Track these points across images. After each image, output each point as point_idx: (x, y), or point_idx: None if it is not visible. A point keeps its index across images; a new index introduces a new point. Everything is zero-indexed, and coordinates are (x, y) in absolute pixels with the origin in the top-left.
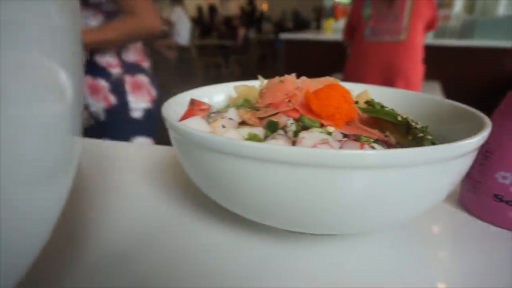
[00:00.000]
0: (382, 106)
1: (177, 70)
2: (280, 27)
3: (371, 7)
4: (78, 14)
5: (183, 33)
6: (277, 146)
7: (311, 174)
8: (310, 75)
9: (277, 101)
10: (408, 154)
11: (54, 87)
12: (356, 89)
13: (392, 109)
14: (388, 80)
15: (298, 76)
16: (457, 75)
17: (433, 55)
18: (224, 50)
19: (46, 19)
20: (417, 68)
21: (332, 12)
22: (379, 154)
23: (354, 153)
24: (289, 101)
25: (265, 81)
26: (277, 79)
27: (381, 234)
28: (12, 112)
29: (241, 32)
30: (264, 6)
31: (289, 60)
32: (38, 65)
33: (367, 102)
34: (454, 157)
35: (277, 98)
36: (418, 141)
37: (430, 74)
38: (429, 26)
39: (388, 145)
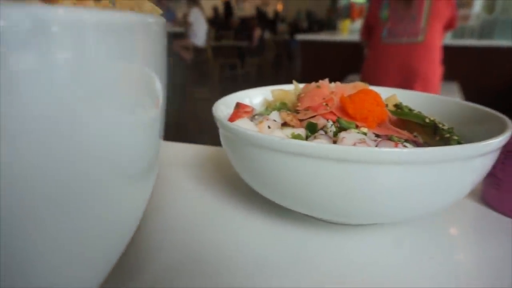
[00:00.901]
0: (410, 109)
1: (193, 71)
2: (295, 27)
3: (388, 8)
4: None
5: (200, 34)
6: (330, 145)
7: (354, 169)
8: (326, 76)
9: (315, 104)
10: (438, 152)
11: (153, 94)
12: (384, 93)
13: (419, 112)
14: (406, 81)
15: (315, 78)
16: (476, 76)
17: (451, 55)
18: (240, 51)
19: (149, 36)
20: (436, 69)
21: (348, 12)
22: (414, 152)
23: (392, 151)
24: (326, 104)
25: (299, 85)
26: (313, 84)
27: (409, 227)
28: (124, 117)
29: (257, 33)
30: (278, 7)
31: (305, 61)
32: (143, 75)
33: (396, 105)
34: (478, 156)
35: (315, 102)
36: (445, 141)
37: (449, 75)
38: (449, 25)
39: (417, 144)
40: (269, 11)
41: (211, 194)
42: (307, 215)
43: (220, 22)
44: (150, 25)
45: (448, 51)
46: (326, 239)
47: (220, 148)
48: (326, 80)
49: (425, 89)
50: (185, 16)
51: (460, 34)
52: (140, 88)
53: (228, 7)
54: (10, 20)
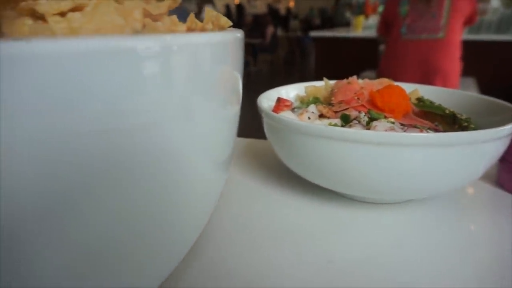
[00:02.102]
0: (431, 102)
1: None
2: (308, 24)
3: (408, 4)
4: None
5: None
6: (369, 131)
7: (388, 151)
8: (341, 73)
9: (348, 98)
10: (458, 136)
11: (237, 92)
12: (407, 88)
13: (439, 104)
14: (425, 77)
15: (329, 74)
16: (493, 71)
17: (468, 50)
18: (253, 48)
19: (237, 47)
20: (455, 65)
21: (362, 9)
22: (437, 135)
23: (420, 135)
24: (358, 98)
25: (329, 82)
26: (344, 81)
27: (428, 208)
28: (219, 111)
29: (270, 30)
30: (290, 3)
31: (319, 58)
32: (233, 77)
33: (418, 99)
34: (491, 140)
35: (347, 96)
36: (463, 129)
37: (465, 70)
38: (469, 21)
39: (438, 132)
40: (281, 8)
41: (252, 178)
42: (341, 196)
43: (232, 20)
44: (238, 39)
45: (465, 45)
46: (357, 215)
47: (249, 140)
48: (354, 77)
49: (444, 85)
50: (198, 14)
51: (477, 29)
52: (230, 87)
53: (240, 5)
54: (145, 45)
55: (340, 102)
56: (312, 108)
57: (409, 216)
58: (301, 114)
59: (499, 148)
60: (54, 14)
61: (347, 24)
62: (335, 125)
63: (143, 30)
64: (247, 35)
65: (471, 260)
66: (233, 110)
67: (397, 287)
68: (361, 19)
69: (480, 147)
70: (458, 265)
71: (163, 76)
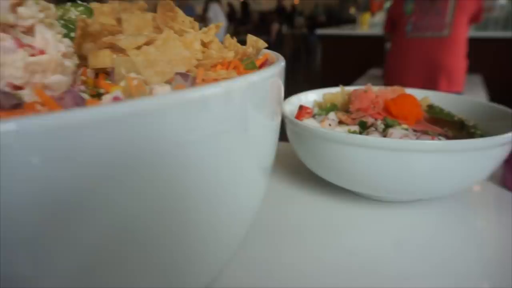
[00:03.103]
0: (441, 109)
1: None
2: (313, 21)
3: (413, 2)
4: None
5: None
6: (387, 138)
7: (403, 156)
8: (348, 70)
9: (364, 106)
10: (465, 144)
11: (281, 103)
12: (418, 95)
13: (449, 111)
14: (430, 75)
15: (336, 72)
16: (500, 68)
17: (474, 47)
18: None
19: (282, 69)
20: (460, 63)
21: (367, 6)
22: (447, 143)
23: (431, 142)
24: (374, 106)
25: (345, 88)
26: (361, 89)
27: (438, 206)
28: (271, 122)
29: (275, 27)
30: (295, 0)
31: (325, 55)
32: (280, 90)
33: (429, 106)
34: (496, 146)
35: (364, 104)
36: (470, 135)
37: (471, 68)
38: (474, 19)
39: (447, 137)
40: (286, 5)
41: (275, 179)
42: (358, 195)
43: (238, 18)
44: (283, 67)
45: (471, 43)
46: (373, 212)
47: None
48: (369, 84)
49: (449, 83)
50: (204, 11)
51: (483, 26)
52: (278, 100)
53: (244, 2)
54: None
55: (358, 110)
56: (332, 115)
57: (419, 213)
58: (323, 121)
59: (503, 152)
60: (133, 48)
61: (352, 20)
62: (354, 131)
63: (203, 59)
64: (253, 33)
65: (476, 256)
66: (278, 120)
67: (410, 276)
68: (367, 16)
69: (487, 152)
70: (463, 259)
71: (226, 102)
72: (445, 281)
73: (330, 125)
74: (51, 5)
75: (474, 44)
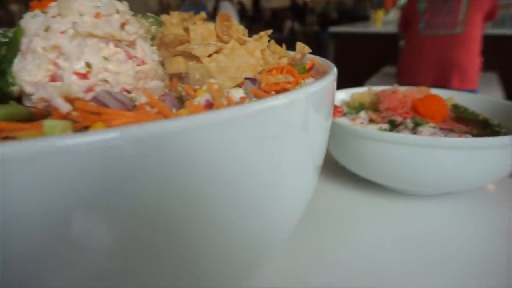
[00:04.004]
0: (465, 108)
1: None
2: (325, 18)
3: (426, 1)
4: None
5: None
6: (418, 136)
7: (433, 152)
8: (361, 68)
9: (393, 106)
10: (492, 141)
11: (333, 103)
12: (443, 95)
13: (473, 111)
14: (443, 73)
15: (349, 69)
16: None
17: (491, 45)
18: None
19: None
20: (473, 61)
21: (381, 3)
22: (474, 140)
23: (460, 140)
24: (402, 106)
25: (372, 88)
26: (389, 89)
27: (462, 199)
28: (327, 123)
29: (288, 24)
30: None
31: (338, 53)
32: (333, 93)
33: (454, 105)
34: None
35: (393, 104)
36: (495, 134)
37: (488, 65)
38: (489, 17)
39: (472, 135)
40: (298, 1)
41: None
42: (386, 188)
43: (250, 15)
44: (335, 69)
45: (488, 40)
46: (401, 205)
47: None
48: (396, 85)
49: (462, 80)
50: (215, 9)
51: (500, 23)
52: (332, 102)
53: (255, 0)
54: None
55: (387, 109)
56: (363, 114)
57: (445, 206)
58: (354, 119)
59: None
60: (206, 56)
61: (366, 18)
62: (385, 129)
63: (265, 65)
64: (264, 30)
65: (501, 244)
66: (331, 120)
67: (442, 261)
68: (380, 13)
69: (510, 149)
70: (490, 246)
71: (290, 107)
72: (470, 266)
73: (361, 123)
74: (144, 21)
75: (491, 41)
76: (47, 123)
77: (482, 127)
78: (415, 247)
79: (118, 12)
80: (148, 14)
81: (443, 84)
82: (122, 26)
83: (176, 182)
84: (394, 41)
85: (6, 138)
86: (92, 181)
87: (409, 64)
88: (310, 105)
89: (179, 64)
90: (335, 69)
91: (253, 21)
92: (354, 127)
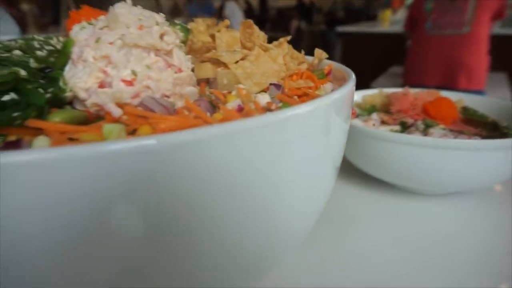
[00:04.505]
0: (475, 111)
1: None
2: (332, 17)
3: (433, 1)
4: None
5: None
6: (429, 137)
7: (443, 153)
8: (368, 68)
9: (404, 108)
10: (502, 143)
11: (352, 106)
12: (453, 97)
13: (482, 113)
14: (450, 73)
15: (356, 69)
16: None
17: (499, 45)
18: None
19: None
20: (481, 60)
21: (389, 2)
22: (484, 142)
23: (470, 141)
24: (413, 108)
25: (383, 90)
26: (400, 92)
27: (470, 198)
28: (346, 126)
29: (294, 23)
30: None
31: (345, 52)
32: (352, 100)
33: (463, 108)
34: None
35: (404, 106)
36: (504, 135)
37: (497, 65)
38: (497, 16)
39: (481, 137)
40: (305, 1)
41: None
42: (397, 188)
43: (256, 14)
44: (354, 76)
45: (496, 40)
46: (412, 204)
47: None
48: (406, 87)
49: (469, 80)
50: (220, 9)
51: (509, 23)
52: (351, 105)
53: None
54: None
55: (398, 111)
56: (375, 116)
57: (454, 205)
58: (366, 121)
59: None
60: (233, 63)
61: (374, 17)
62: (396, 131)
63: (286, 71)
64: (271, 29)
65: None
66: (349, 123)
67: (454, 257)
68: (388, 13)
69: None
70: (497, 243)
71: (313, 113)
72: (478, 262)
73: (374, 124)
74: (178, 31)
75: (499, 41)
76: (107, 126)
77: (491, 129)
78: (427, 245)
79: (157, 23)
80: (176, 21)
81: (450, 84)
82: (161, 36)
83: (212, 186)
84: (401, 41)
85: (70, 139)
86: (129, 179)
87: (416, 64)
88: (332, 111)
89: (207, 70)
90: (354, 76)
91: (260, 20)
92: (367, 129)
